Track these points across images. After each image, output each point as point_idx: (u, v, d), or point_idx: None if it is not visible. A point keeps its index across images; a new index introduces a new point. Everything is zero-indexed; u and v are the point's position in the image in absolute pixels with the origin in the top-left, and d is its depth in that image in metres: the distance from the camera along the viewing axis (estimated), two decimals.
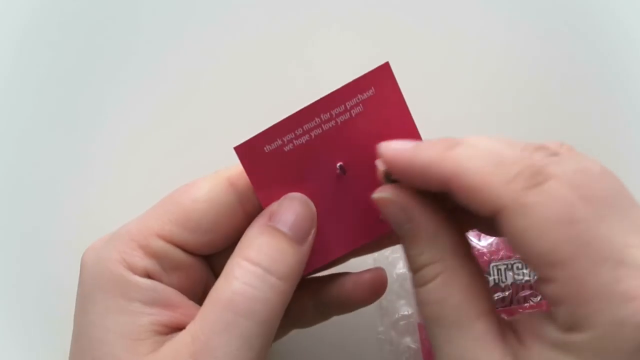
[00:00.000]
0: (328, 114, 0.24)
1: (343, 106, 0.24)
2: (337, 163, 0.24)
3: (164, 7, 0.37)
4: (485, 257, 0.32)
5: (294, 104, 0.34)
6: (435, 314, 0.22)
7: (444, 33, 0.37)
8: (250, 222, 0.25)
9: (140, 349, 0.23)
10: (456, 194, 0.21)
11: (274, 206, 0.24)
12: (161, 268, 0.24)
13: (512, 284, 0.32)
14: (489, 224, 0.21)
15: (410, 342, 0.33)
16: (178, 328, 0.24)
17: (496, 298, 0.32)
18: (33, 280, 0.34)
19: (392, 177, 0.24)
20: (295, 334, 0.30)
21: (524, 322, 0.22)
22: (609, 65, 0.37)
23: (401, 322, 0.33)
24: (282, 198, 0.24)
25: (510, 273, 0.32)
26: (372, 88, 0.24)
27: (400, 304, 0.33)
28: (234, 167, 0.25)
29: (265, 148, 0.24)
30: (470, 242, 0.33)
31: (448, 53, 0.37)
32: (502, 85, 0.37)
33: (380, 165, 0.24)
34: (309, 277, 0.28)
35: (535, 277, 0.31)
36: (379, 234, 0.26)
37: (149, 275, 0.24)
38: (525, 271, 0.32)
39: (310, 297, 0.28)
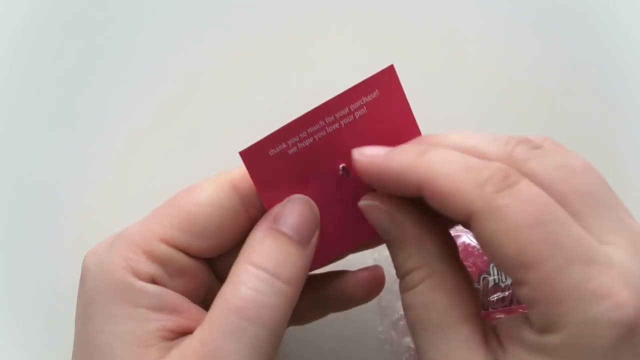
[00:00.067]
0: (332, 116, 0.24)
1: (347, 109, 0.24)
2: (339, 165, 0.24)
3: (164, 7, 0.37)
4: (485, 257, 0.32)
5: (294, 103, 0.34)
6: (420, 318, 0.22)
7: (444, 33, 0.37)
8: (253, 224, 0.25)
9: (148, 355, 0.23)
10: (429, 200, 0.22)
11: (277, 208, 0.24)
12: (165, 273, 0.24)
13: (512, 284, 0.32)
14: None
15: (410, 342, 0.33)
16: (184, 333, 0.23)
17: (496, 298, 0.32)
18: (33, 280, 0.34)
19: None
20: (295, 334, 0.30)
21: (504, 326, 0.22)
22: (609, 65, 0.37)
23: (401, 322, 0.33)
24: (285, 200, 0.24)
25: None
26: (376, 90, 0.24)
27: (400, 304, 0.33)
28: (236, 170, 0.25)
29: (270, 152, 0.24)
30: (470, 242, 0.33)
31: (448, 53, 0.37)
32: (502, 85, 0.37)
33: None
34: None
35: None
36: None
37: (153, 281, 0.24)
38: None
39: (308, 294, 0.28)
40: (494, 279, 0.32)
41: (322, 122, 0.24)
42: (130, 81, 0.36)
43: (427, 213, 0.23)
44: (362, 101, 0.24)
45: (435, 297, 0.22)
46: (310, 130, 0.24)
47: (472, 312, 0.22)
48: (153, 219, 0.25)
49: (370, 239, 0.26)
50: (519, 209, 0.20)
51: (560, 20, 0.37)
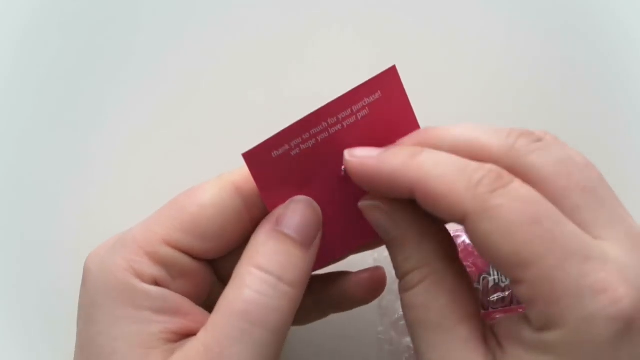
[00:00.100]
0: (335, 117, 0.24)
1: (350, 110, 0.24)
2: (341, 165, 0.24)
3: (164, 7, 0.37)
4: None
5: (294, 103, 0.34)
6: (419, 318, 0.23)
7: (444, 33, 0.37)
8: (255, 226, 0.25)
9: (151, 357, 0.23)
10: (421, 202, 0.22)
11: (280, 210, 0.24)
12: (168, 275, 0.24)
13: (510, 285, 0.32)
14: None
15: (410, 342, 0.33)
16: (187, 335, 0.23)
17: (496, 298, 0.32)
18: (33, 280, 0.34)
19: None
20: (295, 334, 0.30)
21: (502, 325, 0.22)
22: (609, 65, 0.37)
23: (401, 322, 0.33)
24: (287, 201, 0.24)
25: None
26: (379, 91, 0.24)
27: (400, 304, 0.33)
28: (238, 171, 0.25)
29: (272, 153, 0.24)
30: (470, 242, 0.33)
31: (448, 53, 0.37)
32: (502, 85, 0.37)
33: None
34: None
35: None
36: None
37: (156, 283, 0.24)
38: None
39: (309, 295, 0.28)
40: (494, 279, 0.32)
41: (324, 124, 0.24)
42: (130, 81, 0.36)
43: (427, 213, 0.23)
44: (365, 102, 0.24)
45: (435, 297, 0.22)
46: (313, 131, 0.24)
47: (472, 312, 0.22)
48: (155, 221, 0.24)
49: (372, 240, 0.26)
50: (512, 208, 0.20)
51: (560, 20, 0.37)
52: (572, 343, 0.19)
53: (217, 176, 0.25)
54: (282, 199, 0.24)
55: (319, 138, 0.24)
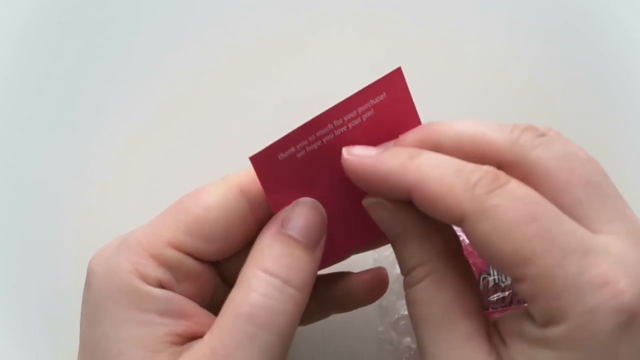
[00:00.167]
0: (340, 120, 0.24)
1: (355, 112, 0.24)
2: None
3: (163, 7, 0.37)
4: None
5: (294, 103, 0.34)
6: (423, 314, 0.23)
7: (444, 33, 0.37)
8: (260, 227, 0.25)
9: None
10: (419, 204, 0.22)
11: (285, 212, 0.24)
12: (173, 277, 0.24)
13: (511, 284, 0.32)
14: None
15: (410, 342, 0.33)
16: (192, 337, 0.23)
17: (496, 298, 0.32)
18: (33, 280, 0.34)
19: None
20: (296, 334, 0.30)
21: (505, 322, 0.22)
22: (609, 65, 0.37)
23: (401, 322, 0.33)
24: (292, 203, 0.24)
25: None
26: (384, 93, 0.24)
27: (400, 304, 0.33)
28: (243, 173, 0.25)
29: (279, 156, 0.24)
30: (468, 242, 0.33)
31: (448, 53, 0.37)
32: (502, 85, 0.37)
33: None
34: None
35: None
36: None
37: (161, 285, 0.24)
38: None
39: (311, 295, 0.28)
40: (494, 279, 0.32)
41: (330, 125, 0.24)
42: (130, 81, 0.36)
43: None
44: (370, 103, 0.24)
45: (438, 293, 0.22)
46: (318, 133, 0.24)
47: (475, 308, 0.22)
48: (160, 223, 0.24)
49: (375, 240, 0.26)
50: (510, 208, 0.20)
51: (560, 20, 0.37)
52: (575, 337, 0.19)
53: (222, 178, 0.25)
54: (287, 201, 0.24)
55: (324, 140, 0.24)
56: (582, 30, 0.37)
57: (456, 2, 0.37)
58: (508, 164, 0.22)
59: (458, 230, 0.31)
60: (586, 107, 0.36)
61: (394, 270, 0.33)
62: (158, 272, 0.24)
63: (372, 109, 0.24)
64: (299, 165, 0.24)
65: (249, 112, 0.36)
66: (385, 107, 0.24)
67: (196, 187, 0.25)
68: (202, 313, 0.24)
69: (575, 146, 0.22)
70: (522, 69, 0.37)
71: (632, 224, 0.21)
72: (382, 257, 0.34)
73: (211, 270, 0.26)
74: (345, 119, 0.24)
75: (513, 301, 0.32)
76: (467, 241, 0.33)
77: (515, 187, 0.20)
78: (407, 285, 0.23)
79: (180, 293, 0.24)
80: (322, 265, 0.26)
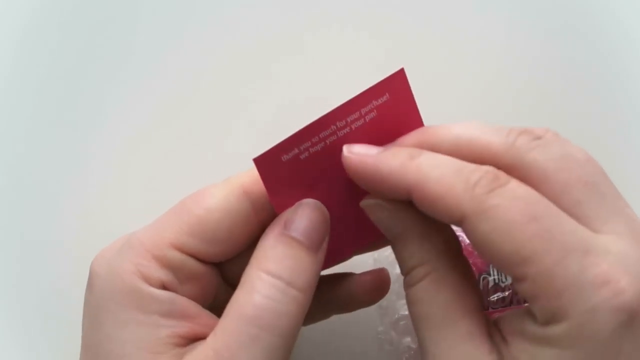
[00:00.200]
0: (344, 121, 0.24)
1: (358, 113, 0.24)
2: None
3: (163, 7, 0.37)
4: None
5: (295, 103, 0.34)
6: (424, 313, 0.23)
7: (444, 33, 0.37)
8: (263, 229, 0.25)
9: None
10: (419, 204, 0.22)
11: (288, 213, 0.24)
12: (176, 278, 0.24)
13: (512, 283, 0.32)
14: None
15: (410, 342, 0.33)
16: (195, 339, 0.23)
17: (496, 298, 0.32)
18: (33, 280, 0.34)
19: None
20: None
21: (506, 320, 0.22)
22: (609, 65, 0.37)
23: (401, 322, 0.33)
24: (295, 205, 0.24)
25: None
26: (387, 94, 0.24)
27: (400, 304, 0.33)
28: (246, 174, 0.25)
29: (282, 157, 0.24)
30: (468, 242, 0.33)
31: (448, 53, 0.37)
32: (502, 85, 0.37)
33: None
34: None
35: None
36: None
37: (164, 287, 0.24)
38: None
39: (313, 296, 0.28)
40: (494, 279, 0.32)
41: (333, 127, 0.24)
42: (130, 81, 0.36)
43: None
44: (373, 104, 0.24)
45: (438, 292, 0.22)
46: (322, 135, 0.24)
47: (475, 307, 0.22)
48: (163, 224, 0.24)
49: (377, 240, 0.26)
50: (510, 207, 0.20)
51: (560, 20, 0.37)
52: (576, 336, 0.19)
53: (225, 179, 0.25)
54: (290, 202, 0.24)
55: (327, 141, 0.24)
56: (582, 30, 0.37)
57: (456, 2, 0.37)
58: (505, 168, 0.22)
59: (458, 231, 0.31)
60: (586, 107, 0.36)
61: (394, 271, 0.34)
62: (161, 274, 0.24)
63: (375, 110, 0.24)
64: (302, 166, 0.24)
65: (248, 113, 0.36)
66: (388, 108, 0.24)
67: (196, 187, 0.25)
68: (204, 314, 0.24)
69: (573, 147, 0.22)
70: (522, 69, 0.37)
71: (632, 223, 0.21)
72: (383, 257, 0.34)
73: (213, 271, 0.25)
74: (349, 120, 0.24)
75: (513, 301, 0.32)
76: (467, 241, 0.33)
77: (516, 186, 0.20)
78: (407, 285, 0.23)
79: (182, 294, 0.24)
80: (325, 266, 0.26)
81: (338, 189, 0.25)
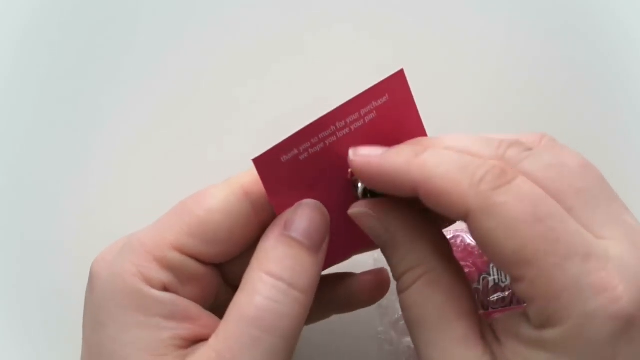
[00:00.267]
0: (343, 121, 0.24)
1: (358, 113, 0.24)
2: (348, 168, 0.24)
3: (163, 7, 0.37)
4: (485, 257, 0.32)
5: (295, 103, 0.34)
6: (417, 317, 0.23)
7: (444, 33, 0.37)
8: (263, 229, 0.25)
9: None
10: (425, 200, 0.22)
11: (288, 214, 0.24)
12: (177, 280, 0.24)
13: (511, 283, 0.32)
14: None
15: (410, 342, 0.33)
16: (196, 340, 0.23)
17: (496, 298, 0.32)
18: (33, 280, 0.34)
19: (367, 192, 0.24)
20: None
21: (501, 322, 0.22)
22: (609, 65, 0.37)
23: (401, 322, 0.33)
24: (295, 205, 0.24)
25: None
26: (386, 95, 0.24)
27: None
28: (246, 175, 0.25)
29: (282, 158, 0.24)
30: (470, 242, 0.33)
31: (448, 53, 0.37)
32: (502, 85, 0.37)
33: (354, 181, 0.24)
34: None
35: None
36: None
37: (165, 288, 0.24)
38: None
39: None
40: (494, 279, 0.32)
41: (333, 127, 0.24)
42: (130, 81, 0.36)
43: (419, 214, 0.23)
44: (372, 105, 0.24)
45: (430, 295, 0.22)
46: (321, 135, 0.24)
47: (468, 310, 0.22)
48: (163, 226, 0.24)
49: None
50: (515, 205, 0.20)
51: (560, 20, 0.37)
52: (571, 340, 0.19)
53: (225, 180, 0.25)
54: (290, 203, 0.24)
55: (327, 142, 0.24)
56: (582, 30, 0.37)
57: (456, 2, 0.37)
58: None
59: (450, 233, 0.32)
60: (586, 107, 0.36)
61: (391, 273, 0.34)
62: (162, 275, 0.24)
63: (374, 111, 0.24)
64: (302, 167, 0.24)
65: (248, 113, 0.36)
66: (388, 109, 0.24)
67: (196, 187, 0.25)
68: (205, 316, 0.24)
69: (567, 154, 0.22)
70: (522, 69, 0.37)
71: (629, 228, 0.21)
72: (382, 257, 0.34)
73: (214, 272, 0.25)
74: (348, 121, 0.24)
75: (513, 301, 0.32)
76: (466, 242, 0.33)
77: (522, 184, 0.20)
78: (400, 290, 0.23)
79: (183, 296, 0.24)
80: (325, 267, 0.26)
81: (337, 190, 0.25)
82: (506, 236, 0.20)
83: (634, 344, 0.19)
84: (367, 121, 0.24)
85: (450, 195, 0.21)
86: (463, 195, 0.20)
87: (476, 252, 0.32)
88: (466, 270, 0.32)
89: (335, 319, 0.30)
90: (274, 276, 0.23)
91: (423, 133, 0.25)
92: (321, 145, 0.24)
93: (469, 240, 0.33)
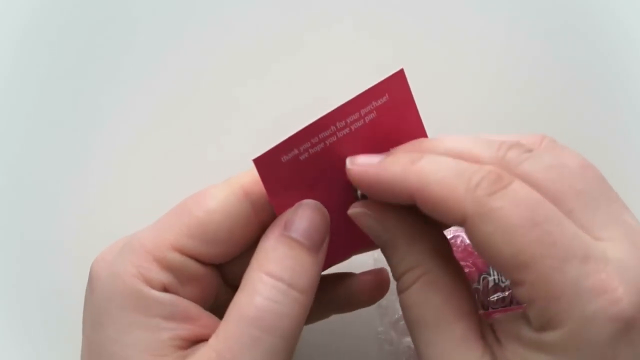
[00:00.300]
0: (344, 121, 0.24)
1: (358, 113, 0.24)
2: None
3: (163, 7, 0.37)
4: None
5: (295, 104, 0.34)
6: (416, 317, 0.23)
7: (444, 33, 0.37)
8: (263, 229, 0.25)
9: None
10: (422, 208, 0.22)
11: (288, 214, 0.24)
12: (177, 280, 0.24)
13: (510, 286, 0.32)
14: None
15: (411, 342, 0.33)
16: (196, 341, 0.23)
17: (496, 298, 0.32)
18: (33, 281, 0.34)
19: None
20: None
21: (502, 323, 0.22)
22: (609, 65, 0.37)
23: (401, 322, 0.33)
24: (295, 205, 0.24)
25: None
26: (386, 95, 0.24)
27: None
28: (246, 175, 0.25)
29: (282, 158, 0.24)
30: (468, 242, 0.33)
31: (448, 53, 0.37)
32: (503, 85, 0.37)
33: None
34: None
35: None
36: None
37: (166, 289, 0.24)
38: None
39: None
40: (494, 279, 0.32)
41: (333, 127, 0.24)
42: (130, 81, 0.36)
43: (418, 215, 0.23)
44: (372, 105, 0.24)
45: (430, 295, 0.22)
46: (321, 135, 0.24)
47: (468, 310, 0.22)
48: (163, 226, 0.24)
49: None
50: (512, 210, 0.20)
51: (560, 20, 0.37)
52: (571, 343, 0.19)
53: (225, 180, 0.25)
54: (290, 203, 0.24)
55: (327, 142, 0.24)
56: (582, 30, 0.37)
57: (456, 2, 0.37)
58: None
59: (450, 233, 0.31)
60: (586, 107, 0.36)
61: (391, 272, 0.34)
62: (162, 276, 0.24)
63: (374, 111, 0.24)
64: (302, 167, 0.24)
65: (248, 113, 0.36)
66: (388, 109, 0.24)
67: (196, 187, 0.25)
68: (205, 316, 0.24)
69: (567, 155, 0.22)
70: (522, 69, 0.37)
71: (629, 229, 0.21)
72: (382, 257, 0.34)
73: (214, 272, 0.25)
74: (348, 121, 0.24)
75: (513, 301, 0.32)
76: (466, 242, 0.33)
77: (518, 188, 0.20)
78: (400, 290, 0.23)
79: (183, 296, 0.24)
80: (325, 267, 0.26)
81: (338, 190, 0.25)
82: (503, 241, 0.20)
83: (635, 345, 0.19)
84: (367, 121, 0.24)
85: (447, 201, 0.21)
86: (459, 201, 0.21)
87: (476, 252, 0.32)
88: (466, 270, 0.32)
89: (335, 319, 0.30)
90: (274, 276, 0.23)
91: (423, 133, 0.25)
92: (321, 145, 0.24)
93: (449, 242, 0.33)
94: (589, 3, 0.37)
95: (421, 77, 0.35)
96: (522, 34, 0.37)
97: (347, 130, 0.24)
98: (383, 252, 0.24)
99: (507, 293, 0.32)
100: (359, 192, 0.25)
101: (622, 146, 0.36)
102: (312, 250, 0.24)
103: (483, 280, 0.32)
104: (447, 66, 0.37)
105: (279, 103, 0.36)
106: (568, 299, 0.19)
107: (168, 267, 0.24)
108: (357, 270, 0.29)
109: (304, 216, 0.24)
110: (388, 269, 0.29)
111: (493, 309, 0.32)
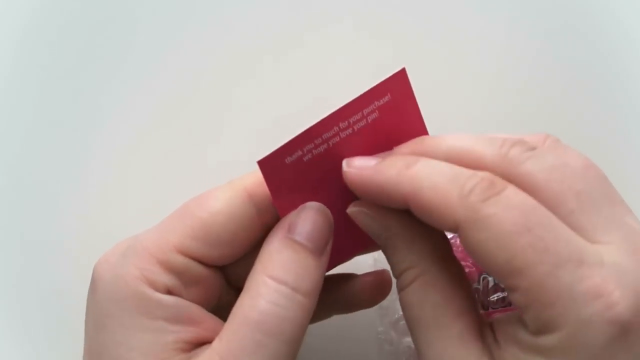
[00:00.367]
0: (346, 122, 0.24)
1: (360, 113, 0.24)
2: None
3: (163, 7, 0.37)
4: None
5: (296, 103, 0.34)
6: (416, 316, 0.23)
7: (444, 33, 0.37)
8: (266, 231, 0.24)
9: None
10: (416, 213, 0.22)
11: (291, 217, 0.24)
12: (181, 283, 0.24)
13: (506, 291, 0.32)
14: None
15: (411, 342, 0.33)
16: (200, 344, 0.23)
17: (496, 298, 0.32)
18: (33, 281, 0.34)
19: None
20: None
21: (501, 324, 0.22)
22: (609, 65, 0.37)
23: (401, 322, 0.33)
24: (299, 208, 0.24)
25: None
26: (388, 94, 0.24)
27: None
28: (249, 177, 0.25)
29: (286, 160, 0.23)
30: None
31: (448, 53, 0.37)
32: (502, 85, 0.37)
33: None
34: None
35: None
36: None
37: (169, 291, 0.24)
38: None
39: None
40: (494, 279, 0.32)
41: (336, 128, 0.24)
42: (130, 81, 0.36)
43: None
44: (375, 105, 0.24)
45: (428, 294, 0.23)
46: (325, 136, 0.24)
47: (467, 309, 0.22)
48: (166, 228, 0.24)
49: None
50: (504, 217, 0.20)
51: (560, 20, 0.37)
52: (568, 347, 0.19)
53: (228, 182, 0.25)
54: (294, 205, 0.24)
55: (330, 142, 0.24)
56: (582, 30, 0.37)
57: (456, 2, 0.37)
58: (497, 176, 0.21)
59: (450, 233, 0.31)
60: (586, 107, 0.36)
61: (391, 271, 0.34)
62: (165, 278, 0.23)
63: (377, 111, 0.24)
64: (306, 168, 0.24)
65: (249, 113, 0.36)
66: (390, 109, 0.24)
67: (196, 187, 0.25)
68: (209, 318, 0.24)
69: (571, 155, 0.22)
70: (522, 69, 0.37)
71: (630, 232, 0.21)
72: (383, 257, 0.34)
73: (217, 274, 0.25)
74: (351, 121, 0.24)
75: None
76: None
77: (511, 194, 0.20)
78: (399, 288, 0.24)
79: (187, 298, 0.24)
80: (328, 268, 0.26)
81: (341, 190, 0.25)
82: (497, 247, 0.20)
83: (632, 349, 0.19)
84: (369, 121, 0.24)
85: (439, 207, 0.21)
86: (452, 207, 0.20)
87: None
88: (466, 270, 0.32)
89: (335, 319, 0.30)
90: (278, 280, 0.23)
91: (425, 132, 0.25)
92: (325, 146, 0.24)
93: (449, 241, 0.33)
94: (589, 3, 0.37)
95: (421, 77, 0.35)
96: (522, 34, 0.37)
97: (350, 130, 0.24)
98: (382, 249, 0.24)
99: (507, 293, 0.32)
100: None
101: (622, 146, 0.36)
102: (316, 253, 0.24)
103: (483, 280, 0.32)
104: (447, 66, 0.37)
105: (279, 103, 0.36)
106: (563, 304, 0.19)
107: (171, 269, 0.24)
108: (358, 271, 0.29)
109: (308, 219, 0.24)
110: (388, 269, 0.29)
111: (493, 309, 0.32)
